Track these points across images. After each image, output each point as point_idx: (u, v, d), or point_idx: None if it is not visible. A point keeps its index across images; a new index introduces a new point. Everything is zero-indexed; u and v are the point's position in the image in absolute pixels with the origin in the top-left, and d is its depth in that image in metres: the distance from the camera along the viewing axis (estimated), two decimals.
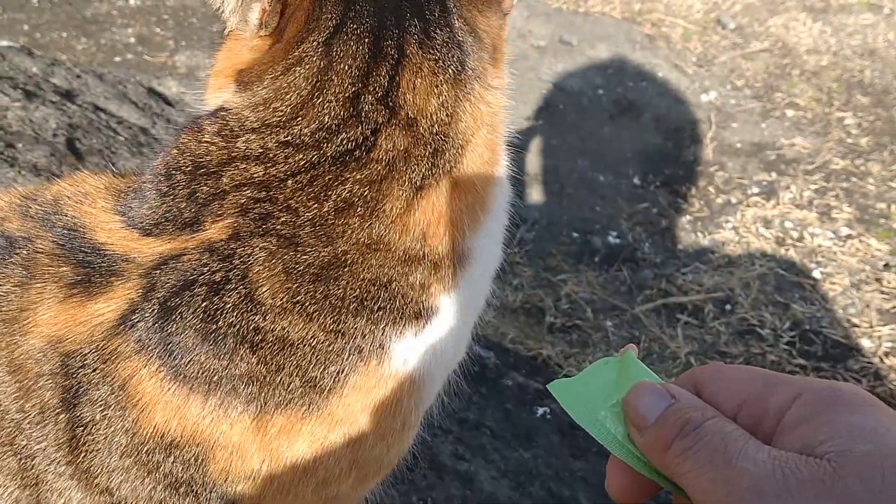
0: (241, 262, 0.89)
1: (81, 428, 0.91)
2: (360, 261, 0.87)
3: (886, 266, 2.84)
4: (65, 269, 0.94)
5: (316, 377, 0.89)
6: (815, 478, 0.50)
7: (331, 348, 0.88)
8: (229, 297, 0.88)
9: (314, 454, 0.92)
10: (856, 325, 2.62)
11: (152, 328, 0.89)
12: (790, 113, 3.70)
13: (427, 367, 0.93)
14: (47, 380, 0.91)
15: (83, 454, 0.92)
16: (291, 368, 0.89)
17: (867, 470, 0.50)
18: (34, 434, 0.92)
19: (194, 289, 0.90)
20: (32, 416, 0.92)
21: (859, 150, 3.44)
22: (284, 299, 0.88)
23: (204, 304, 0.88)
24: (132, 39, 4.02)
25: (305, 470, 0.93)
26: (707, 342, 2.55)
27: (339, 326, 0.88)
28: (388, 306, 0.89)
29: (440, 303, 0.92)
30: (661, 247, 2.98)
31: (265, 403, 0.89)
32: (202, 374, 0.88)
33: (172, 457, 0.91)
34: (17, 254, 0.95)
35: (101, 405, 0.91)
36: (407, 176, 0.87)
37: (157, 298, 0.91)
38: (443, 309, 0.92)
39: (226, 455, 0.91)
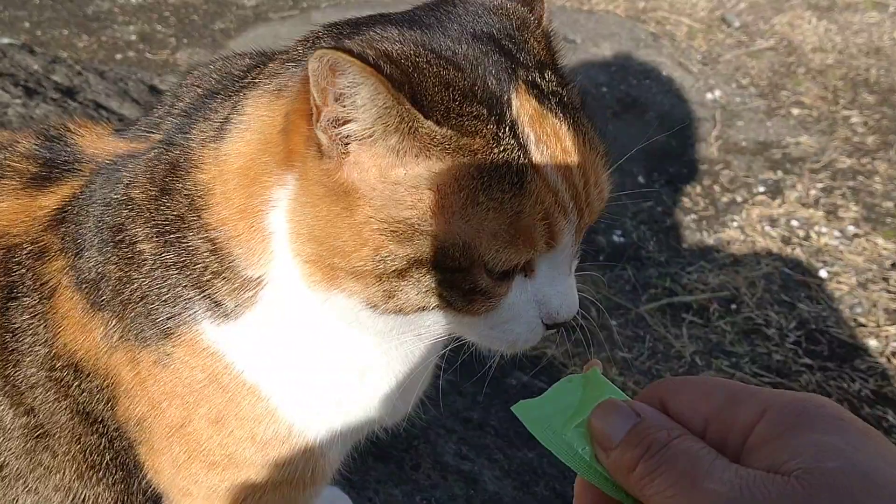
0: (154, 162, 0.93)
1: (10, 334, 0.96)
2: None
3: (894, 265, 2.81)
4: (32, 166, 1.00)
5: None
6: (783, 495, 0.50)
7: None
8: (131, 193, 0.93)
9: None
10: (862, 325, 2.59)
11: (72, 223, 0.95)
12: (796, 111, 3.67)
13: None
14: None
15: (10, 364, 0.96)
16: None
17: (836, 487, 0.49)
18: None
19: (111, 186, 0.94)
20: None
21: (865, 149, 3.42)
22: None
23: (106, 202, 0.93)
24: (133, 37, 4.01)
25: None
26: (712, 341, 2.53)
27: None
28: None
29: None
30: (666, 245, 2.96)
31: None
32: (94, 275, 0.92)
33: (79, 380, 0.95)
34: None
35: (28, 313, 0.95)
36: None
37: (82, 199, 0.96)
38: None
39: (122, 391, 0.95)
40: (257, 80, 0.90)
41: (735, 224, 3.04)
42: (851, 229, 2.99)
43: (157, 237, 0.91)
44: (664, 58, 3.90)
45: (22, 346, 0.96)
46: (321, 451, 1.00)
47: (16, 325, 0.96)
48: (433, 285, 0.80)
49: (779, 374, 2.40)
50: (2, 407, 0.98)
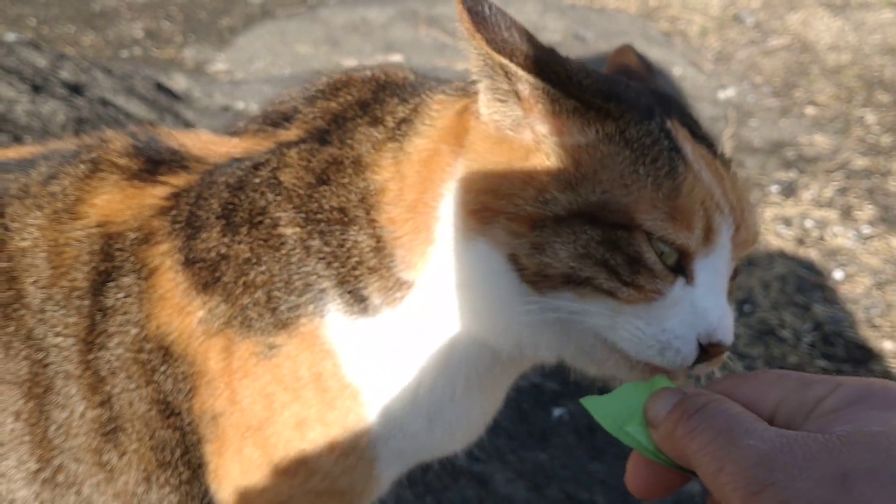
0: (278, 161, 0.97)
1: (101, 314, 0.96)
2: None
3: None
4: (133, 162, 1.02)
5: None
6: (822, 449, 0.52)
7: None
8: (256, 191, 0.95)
9: None
10: (878, 327, 2.56)
11: (188, 206, 0.96)
12: (810, 110, 3.64)
13: None
14: (85, 259, 0.97)
15: (94, 348, 0.95)
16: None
17: (874, 445, 0.51)
18: (54, 319, 0.96)
19: (235, 182, 0.97)
20: (58, 298, 0.96)
21: (880, 149, 3.38)
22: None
23: (231, 194, 0.96)
24: (140, 34, 3.99)
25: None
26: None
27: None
28: None
29: None
30: None
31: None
32: (213, 255, 0.93)
33: (166, 365, 0.95)
34: (86, 156, 1.03)
35: (124, 292, 0.96)
36: None
37: (200, 185, 0.98)
38: None
39: (204, 381, 0.95)
40: (442, 87, 0.99)
41: None
42: (866, 230, 2.95)
43: (305, 223, 0.92)
44: (676, 56, 3.86)
45: (111, 326, 0.96)
46: (383, 469, 1.00)
47: (108, 305, 0.96)
48: (593, 245, 0.81)
49: None
50: (76, 398, 0.96)
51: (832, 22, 4.22)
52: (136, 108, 2.85)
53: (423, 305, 0.92)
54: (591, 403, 0.71)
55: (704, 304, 0.82)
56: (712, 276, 0.82)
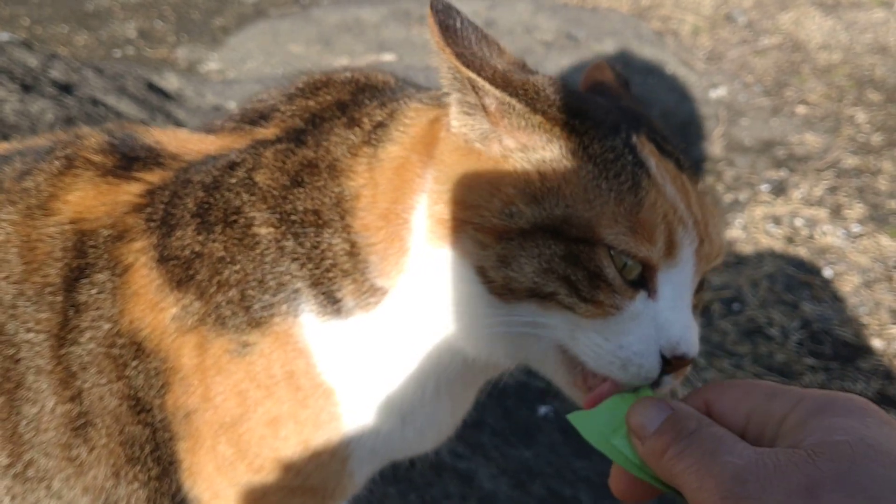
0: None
1: (73, 309, 0.96)
2: None
3: None
4: (108, 159, 1.02)
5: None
6: (791, 462, 0.55)
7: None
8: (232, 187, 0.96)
9: None
10: (866, 325, 2.56)
11: (162, 204, 0.97)
12: (801, 109, 3.64)
13: None
14: (58, 256, 0.97)
15: (66, 343, 0.95)
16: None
17: (839, 455, 0.54)
18: (25, 314, 0.96)
19: (220, 170, 0.97)
20: (30, 294, 0.97)
21: (871, 147, 3.38)
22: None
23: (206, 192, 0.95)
24: (133, 34, 3.99)
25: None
26: (714, 341, 2.49)
27: None
28: None
29: None
30: None
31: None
32: (187, 253, 0.93)
33: (138, 360, 0.95)
34: (60, 152, 1.03)
35: (98, 288, 0.96)
36: None
37: (176, 183, 0.98)
38: None
39: (177, 378, 0.95)
40: (419, 95, 1.00)
41: (738, 223, 3.00)
42: (856, 228, 2.95)
43: (279, 224, 0.92)
44: (668, 55, 3.87)
45: (84, 321, 0.96)
46: (356, 467, 1.01)
47: (81, 301, 0.96)
48: (555, 260, 0.81)
49: (781, 375, 2.36)
50: (46, 393, 0.96)
51: (824, 21, 4.23)
52: (126, 107, 2.85)
53: (396, 311, 0.93)
54: (576, 419, 0.73)
55: (667, 317, 0.82)
56: (675, 289, 0.83)
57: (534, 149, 0.85)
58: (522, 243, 0.82)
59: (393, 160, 0.93)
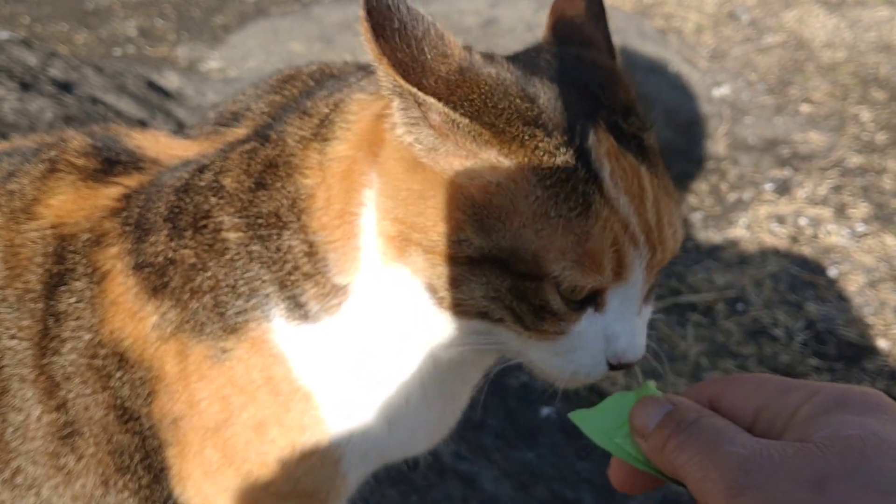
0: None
1: (53, 318, 0.95)
2: None
3: None
4: (90, 162, 1.01)
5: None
6: (799, 454, 0.54)
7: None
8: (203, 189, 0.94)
9: None
10: (871, 325, 2.54)
11: (137, 208, 0.95)
12: (805, 108, 3.62)
13: None
14: (39, 262, 0.95)
15: (48, 353, 0.94)
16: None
17: (849, 449, 0.53)
18: (7, 321, 0.95)
19: (190, 174, 0.95)
20: (11, 300, 0.95)
21: (875, 146, 3.36)
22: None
23: (177, 195, 0.94)
24: (133, 32, 3.98)
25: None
26: (718, 342, 2.48)
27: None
28: None
29: None
30: None
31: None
32: (161, 259, 0.92)
33: (122, 371, 0.94)
34: (45, 154, 1.02)
35: (76, 297, 0.94)
36: None
37: (150, 187, 0.97)
38: None
39: (162, 386, 0.93)
40: (362, 84, 0.94)
41: (742, 222, 2.99)
42: (861, 228, 2.93)
43: (246, 228, 0.90)
44: (671, 53, 3.85)
45: (64, 331, 0.94)
46: (347, 469, 0.99)
47: (61, 310, 0.94)
48: (502, 291, 0.80)
49: (786, 375, 2.34)
50: (31, 401, 0.95)
51: (828, 19, 4.21)
52: (126, 106, 2.84)
53: (361, 313, 0.91)
54: (579, 417, 0.73)
55: (614, 329, 0.83)
56: (623, 302, 0.82)
57: (482, 170, 0.79)
58: (472, 270, 0.81)
59: (341, 161, 0.89)
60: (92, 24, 4.02)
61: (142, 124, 2.73)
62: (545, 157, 0.78)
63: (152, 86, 3.11)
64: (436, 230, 0.81)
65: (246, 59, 3.91)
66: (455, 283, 0.81)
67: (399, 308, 0.88)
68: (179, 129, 1.10)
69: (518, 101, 0.80)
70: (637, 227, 0.79)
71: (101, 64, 3.03)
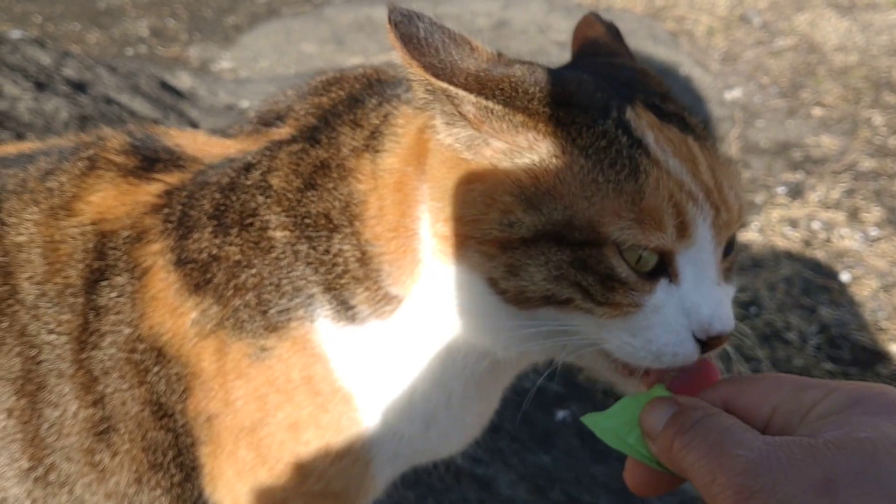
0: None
1: (94, 312, 0.95)
2: None
3: None
4: (129, 160, 1.02)
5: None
6: (807, 455, 0.53)
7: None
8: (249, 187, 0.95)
9: None
10: (885, 330, 2.53)
11: (180, 205, 0.96)
12: (817, 111, 3.61)
13: None
14: (79, 257, 0.96)
15: (87, 347, 0.95)
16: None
17: (860, 451, 0.52)
18: (47, 315, 0.96)
19: (237, 172, 0.96)
20: (51, 295, 0.96)
21: (888, 150, 3.35)
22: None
23: (222, 193, 0.95)
24: (145, 32, 3.99)
25: None
26: (731, 345, 2.47)
27: None
28: None
29: None
30: None
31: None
32: (204, 256, 0.92)
33: (160, 366, 0.94)
34: (83, 153, 1.03)
35: (117, 291, 0.95)
36: None
37: (193, 184, 0.97)
38: None
39: (198, 383, 0.94)
40: (409, 95, 0.94)
41: (755, 226, 2.98)
42: (873, 232, 2.93)
43: (294, 227, 0.91)
44: (682, 56, 3.84)
45: (104, 325, 0.95)
46: (377, 471, 0.99)
47: (101, 304, 0.95)
48: (564, 266, 0.78)
49: None
50: (68, 396, 0.95)
51: (839, 23, 4.20)
52: (140, 106, 2.84)
53: (414, 319, 0.91)
54: (591, 420, 0.73)
55: (693, 300, 0.79)
56: (697, 268, 0.79)
57: (521, 150, 0.81)
58: (528, 251, 0.79)
59: (392, 174, 0.90)
60: (104, 24, 4.03)
61: (155, 124, 2.73)
62: (584, 130, 0.79)
63: (165, 86, 3.11)
64: (486, 219, 0.81)
65: (257, 59, 3.92)
66: (514, 269, 0.80)
67: (460, 310, 0.88)
68: (193, 129, 1.11)
69: (549, 86, 0.82)
70: (693, 185, 0.78)
71: (114, 64, 3.04)
